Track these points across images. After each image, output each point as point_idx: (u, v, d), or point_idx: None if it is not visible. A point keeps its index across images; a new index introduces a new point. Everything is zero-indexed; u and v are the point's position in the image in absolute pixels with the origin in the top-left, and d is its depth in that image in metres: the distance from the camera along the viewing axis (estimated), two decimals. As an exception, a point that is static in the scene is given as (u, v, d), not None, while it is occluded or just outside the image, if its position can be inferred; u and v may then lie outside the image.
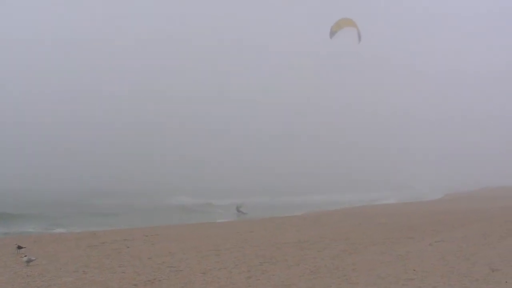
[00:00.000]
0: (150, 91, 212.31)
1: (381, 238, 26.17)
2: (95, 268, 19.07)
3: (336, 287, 15.11)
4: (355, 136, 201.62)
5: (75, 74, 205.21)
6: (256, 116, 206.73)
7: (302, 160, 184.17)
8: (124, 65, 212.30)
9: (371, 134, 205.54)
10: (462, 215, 40.09)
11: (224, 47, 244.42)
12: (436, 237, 25.68)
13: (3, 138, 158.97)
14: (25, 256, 20.24)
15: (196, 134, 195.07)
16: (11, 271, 18.68)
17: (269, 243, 25.11)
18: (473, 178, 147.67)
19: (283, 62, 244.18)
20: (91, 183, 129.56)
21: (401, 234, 27.63)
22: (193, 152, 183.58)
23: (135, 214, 59.23)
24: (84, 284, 16.20)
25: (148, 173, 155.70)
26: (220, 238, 28.01)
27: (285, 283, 15.76)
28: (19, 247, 22.52)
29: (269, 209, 63.84)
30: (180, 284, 15.91)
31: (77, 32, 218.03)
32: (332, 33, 36.94)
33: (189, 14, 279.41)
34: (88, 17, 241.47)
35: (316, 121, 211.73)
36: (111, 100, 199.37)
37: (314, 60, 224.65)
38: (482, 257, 19.53)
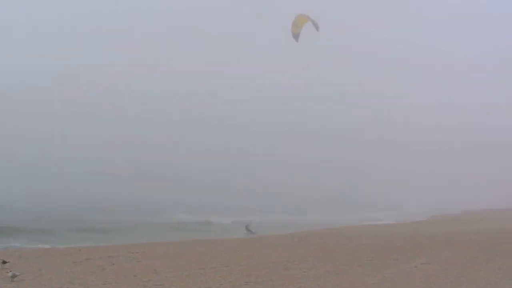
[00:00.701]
0: (146, 108, 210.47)
1: (366, 259, 26.24)
2: (80, 284, 19.03)
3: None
4: (343, 158, 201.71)
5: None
6: (250, 138, 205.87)
7: (291, 180, 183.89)
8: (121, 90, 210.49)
9: (358, 156, 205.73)
10: (448, 237, 40.18)
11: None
12: (421, 259, 25.75)
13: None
14: (10, 271, 20.13)
15: (195, 151, 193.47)
16: (-5, 286, 18.60)
17: (256, 262, 25.13)
18: (458, 201, 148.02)
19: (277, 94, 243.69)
20: (86, 199, 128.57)
21: (386, 256, 27.69)
22: (189, 169, 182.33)
23: (127, 231, 58.48)
24: (68, 301, 16.16)
25: (146, 189, 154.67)
26: (206, 256, 27.97)
27: (270, 303, 15.79)
28: (4, 262, 22.37)
29: (260, 228, 63.82)
30: (165, 303, 15.91)
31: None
32: (296, 36, 36.72)
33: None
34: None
35: (306, 143, 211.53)
36: (107, 118, 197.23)
37: (311, 92, 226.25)
38: (467, 280, 19.63)
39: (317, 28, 35.97)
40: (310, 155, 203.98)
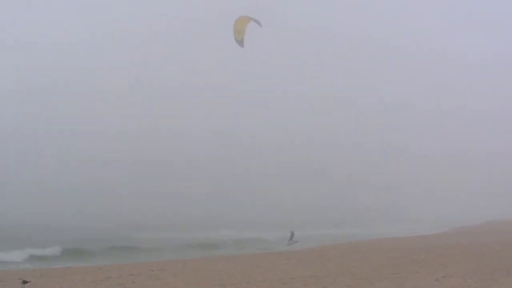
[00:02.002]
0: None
1: (388, 273, 26.08)
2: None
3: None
4: (360, 169, 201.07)
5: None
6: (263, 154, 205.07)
7: (306, 194, 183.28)
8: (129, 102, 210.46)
9: (376, 168, 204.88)
10: (468, 249, 39.89)
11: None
12: (443, 272, 25.57)
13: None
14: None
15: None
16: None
17: (275, 278, 25.05)
18: (477, 211, 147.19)
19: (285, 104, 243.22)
20: (134, 216, 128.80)
21: (407, 269, 27.53)
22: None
23: (171, 249, 58.27)
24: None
25: (192, 206, 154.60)
26: (226, 273, 27.92)
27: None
28: (24, 282, 22.42)
29: (274, 244, 63.69)
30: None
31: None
32: (240, 42, 35.94)
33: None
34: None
35: (322, 157, 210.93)
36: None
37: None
38: (490, 293, 19.48)
39: (260, 25, 35.28)
40: (334, 166, 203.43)
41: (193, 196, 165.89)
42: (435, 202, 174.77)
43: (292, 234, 55.92)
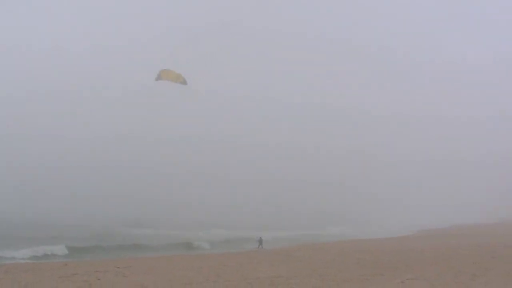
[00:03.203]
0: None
1: (354, 274, 26.22)
2: (66, 300, 18.92)
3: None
4: (329, 173, 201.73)
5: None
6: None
7: (276, 196, 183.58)
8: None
9: (345, 171, 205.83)
10: (434, 252, 40.18)
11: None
12: (408, 275, 25.76)
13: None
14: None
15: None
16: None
17: (242, 277, 25.06)
18: (446, 215, 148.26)
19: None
20: (131, 214, 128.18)
21: (374, 271, 27.68)
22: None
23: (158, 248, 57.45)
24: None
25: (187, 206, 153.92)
26: (193, 271, 27.87)
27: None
28: None
29: (238, 243, 63.70)
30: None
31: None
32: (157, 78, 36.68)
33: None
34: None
35: (292, 161, 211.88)
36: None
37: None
38: (454, 296, 19.66)
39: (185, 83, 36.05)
40: (298, 170, 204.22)
41: (187, 198, 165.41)
42: (402, 206, 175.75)
43: (261, 241, 55.93)
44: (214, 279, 24.26)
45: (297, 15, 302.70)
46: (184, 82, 37.78)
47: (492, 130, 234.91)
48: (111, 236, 68.65)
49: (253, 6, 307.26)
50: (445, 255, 37.12)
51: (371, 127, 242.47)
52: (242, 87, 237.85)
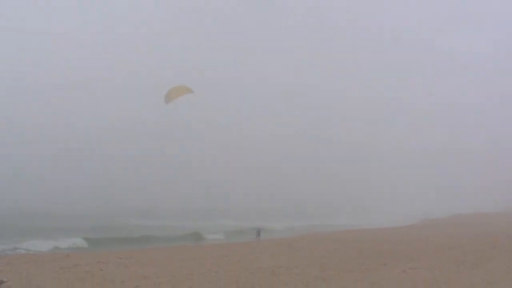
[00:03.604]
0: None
1: (356, 264, 26.21)
2: (68, 291, 18.91)
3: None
4: (330, 162, 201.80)
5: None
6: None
7: (277, 186, 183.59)
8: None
9: (347, 160, 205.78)
10: (436, 242, 40.24)
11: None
12: (410, 264, 25.77)
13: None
14: (-2, 277, 19.95)
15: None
16: (-19, 293, 18.44)
17: (243, 268, 25.06)
18: (445, 205, 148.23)
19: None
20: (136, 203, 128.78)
21: (375, 261, 27.67)
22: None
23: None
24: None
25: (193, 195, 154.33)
26: (194, 262, 27.86)
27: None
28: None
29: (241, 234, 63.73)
30: (154, 309, 15.80)
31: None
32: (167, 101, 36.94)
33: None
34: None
35: (293, 149, 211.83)
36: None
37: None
38: (455, 285, 19.64)
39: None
40: (300, 158, 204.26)
41: (192, 187, 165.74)
42: (404, 195, 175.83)
43: (259, 231, 55.99)
44: (216, 270, 24.25)
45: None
46: (191, 91, 37.89)
47: (493, 117, 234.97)
48: (119, 228, 68.54)
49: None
50: (447, 245, 37.17)
51: (372, 117, 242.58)
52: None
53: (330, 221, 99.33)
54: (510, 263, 26.01)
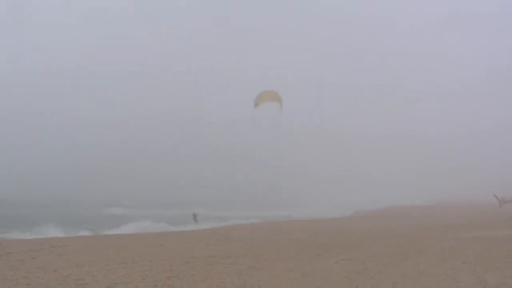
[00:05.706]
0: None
1: (290, 255, 26.46)
2: (-1, 279, 18.68)
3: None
4: (265, 149, 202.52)
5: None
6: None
7: (211, 173, 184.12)
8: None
9: (281, 150, 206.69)
10: (370, 233, 40.78)
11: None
12: (343, 255, 26.11)
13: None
14: None
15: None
16: None
17: (178, 257, 25.07)
18: (380, 196, 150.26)
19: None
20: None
21: (309, 251, 27.98)
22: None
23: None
24: (-15, 296, 15.85)
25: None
26: (129, 250, 27.73)
27: (191, 298, 15.79)
28: None
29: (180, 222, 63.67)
30: (86, 298, 15.74)
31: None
32: (256, 105, 38.01)
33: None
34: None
35: (233, 137, 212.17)
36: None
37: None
38: (386, 276, 20.01)
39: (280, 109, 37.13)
40: (235, 144, 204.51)
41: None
42: (339, 186, 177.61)
43: (195, 216, 56.09)
44: (150, 259, 24.22)
45: None
46: (280, 101, 38.46)
47: (430, 105, 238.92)
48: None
49: None
50: (380, 236, 37.74)
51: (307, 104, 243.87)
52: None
53: (265, 212, 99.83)
54: (440, 254, 26.61)
